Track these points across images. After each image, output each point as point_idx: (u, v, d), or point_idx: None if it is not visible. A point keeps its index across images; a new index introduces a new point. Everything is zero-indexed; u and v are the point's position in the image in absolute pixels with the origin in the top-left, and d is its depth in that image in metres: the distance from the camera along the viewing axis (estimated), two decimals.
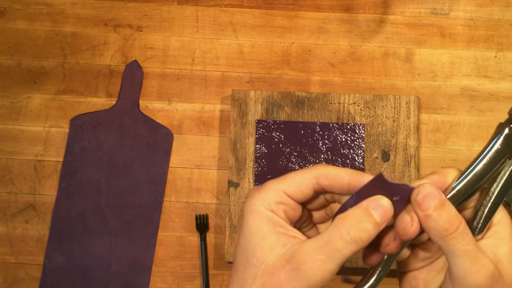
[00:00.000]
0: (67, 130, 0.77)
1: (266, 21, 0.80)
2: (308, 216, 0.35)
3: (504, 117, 0.32)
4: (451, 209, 0.29)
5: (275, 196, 0.32)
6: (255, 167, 0.73)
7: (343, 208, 0.31)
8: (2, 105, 0.78)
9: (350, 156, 0.73)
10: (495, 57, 0.78)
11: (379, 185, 0.31)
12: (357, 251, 0.29)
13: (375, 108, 0.74)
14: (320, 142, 0.73)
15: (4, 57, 0.79)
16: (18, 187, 0.76)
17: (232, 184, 0.73)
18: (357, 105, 0.74)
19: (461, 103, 0.77)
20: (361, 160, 0.73)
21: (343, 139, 0.73)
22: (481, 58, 0.78)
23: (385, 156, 0.73)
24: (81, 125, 0.77)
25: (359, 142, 0.73)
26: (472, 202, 0.33)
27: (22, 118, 0.78)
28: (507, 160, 0.32)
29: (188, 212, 0.75)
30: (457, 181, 0.32)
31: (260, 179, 0.73)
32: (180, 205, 0.75)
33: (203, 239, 0.74)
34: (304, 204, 0.34)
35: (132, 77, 0.78)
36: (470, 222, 0.32)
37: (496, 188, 0.32)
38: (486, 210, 0.31)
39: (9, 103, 0.78)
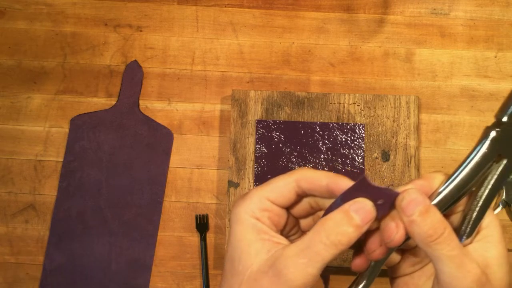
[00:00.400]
0: (67, 130, 0.77)
1: (266, 21, 0.80)
2: (295, 223, 0.36)
3: None
4: (435, 215, 0.29)
5: (259, 203, 0.32)
6: (255, 167, 0.73)
7: (328, 211, 0.31)
8: (2, 105, 0.78)
9: (350, 156, 0.73)
10: (495, 57, 0.78)
11: (363, 188, 0.31)
12: (338, 254, 0.30)
13: (375, 108, 0.74)
14: (320, 142, 0.73)
15: (4, 57, 0.79)
16: (18, 187, 0.76)
17: (232, 184, 0.73)
18: (357, 105, 0.74)
19: (461, 103, 0.77)
20: (361, 160, 0.73)
21: (343, 139, 0.73)
22: (481, 58, 0.78)
23: (385, 156, 0.73)
24: (81, 125, 0.77)
25: (359, 142, 0.73)
26: (460, 207, 0.32)
27: (22, 118, 0.78)
28: (494, 163, 0.31)
29: (188, 212, 0.75)
30: (443, 185, 0.31)
31: (260, 179, 0.73)
32: (180, 205, 0.75)
33: (203, 239, 0.74)
34: (288, 209, 0.34)
35: (132, 77, 0.78)
36: (458, 227, 0.32)
37: (484, 192, 0.31)
38: (475, 214, 0.31)
39: (9, 103, 0.78)
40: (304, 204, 0.34)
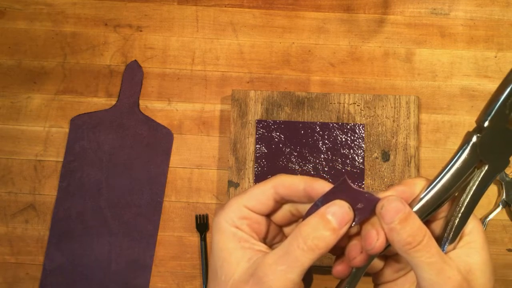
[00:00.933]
0: (67, 130, 0.77)
1: (266, 21, 0.80)
2: (278, 231, 0.35)
3: None
4: (415, 222, 0.29)
5: (237, 212, 0.32)
6: (255, 167, 0.73)
7: (307, 216, 0.31)
8: (2, 105, 0.78)
9: (350, 156, 0.73)
10: (495, 57, 0.78)
11: (343, 191, 0.30)
12: (317, 258, 0.29)
13: (375, 108, 0.74)
14: (320, 142, 0.73)
15: (4, 57, 0.79)
16: (18, 187, 0.76)
17: (232, 184, 0.73)
18: (357, 105, 0.74)
19: (461, 103, 0.77)
20: (361, 160, 0.73)
21: (343, 139, 0.73)
22: (481, 58, 0.78)
23: (385, 156, 0.73)
24: (81, 125, 0.77)
25: (359, 142, 0.73)
26: (442, 213, 0.32)
27: (22, 118, 0.78)
28: (476, 169, 0.31)
29: (188, 212, 0.75)
30: (425, 191, 0.31)
31: (260, 179, 0.73)
32: (180, 205, 0.75)
33: (203, 239, 0.74)
34: (270, 217, 0.34)
35: (132, 77, 0.78)
36: (441, 233, 0.32)
37: (466, 198, 0.31)
38: (457, 220, 0.31)
39: (9, 103, 0.78)
40: (285, 211, 0.34)
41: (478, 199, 0.31)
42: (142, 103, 0.78)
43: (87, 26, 0.80)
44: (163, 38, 0.80)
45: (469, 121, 0.77)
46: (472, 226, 0.32)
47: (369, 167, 0.73)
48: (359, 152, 0.73)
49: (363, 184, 0.72)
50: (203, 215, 0.74)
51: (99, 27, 0.80)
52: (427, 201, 0.31)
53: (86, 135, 0.76)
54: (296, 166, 0.73)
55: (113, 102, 0.78)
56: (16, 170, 0.76)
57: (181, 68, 0.79)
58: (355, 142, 0.73)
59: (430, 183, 0.31)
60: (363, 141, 0.73)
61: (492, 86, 0.77)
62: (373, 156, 0.73)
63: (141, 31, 0.80)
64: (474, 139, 0.31)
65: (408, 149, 0.73)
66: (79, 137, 0.76)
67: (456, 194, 0.32)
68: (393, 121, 0.74)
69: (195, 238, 0.74)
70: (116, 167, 0.76)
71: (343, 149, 0.73)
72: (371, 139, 0.74)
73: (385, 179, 0.73)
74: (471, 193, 0.31)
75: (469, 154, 0.31)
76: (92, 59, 0.79)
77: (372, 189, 0.72)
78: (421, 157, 0.75)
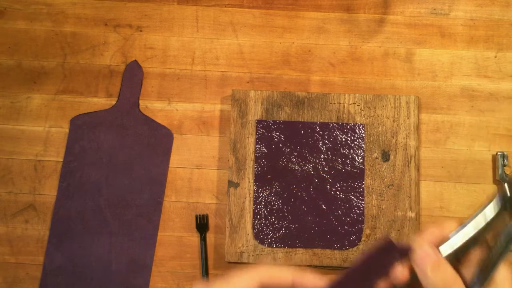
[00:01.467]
0: (67, 130, 0.77)
1: (266, 21, 0.80)
2: None
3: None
4: (447, 270, 0.31)
5: None
6: (255, 167, 0.73)
7: None
8: (2, 105, 0.78)
9: (350, 156, 0.73)
10: (495, 57, 0.78)
11: (385, 251, 0.32)
12: None
13: (375, 108, 0.74)
14: (320, 142, 0.73)
15: (4, 57, 0.79)
16: (18, 187, 0.76)
17: (232, 184, 0.73)
18: (357, 105, 0.74)
19: (461, 103, 0.77)
20: (361, 160, 0.73)
21: (343, 139, 0.73)
22: (481, 58, 0.78)
23: (385, 156, 0.73)
24: (81, 125, 0.77)
25: (359, 142, 0.73)
26: (474, 257, 0.33)
27: (22, 118, 0.78)
28: (509, 218, 0.32)
29: (188, 212, 0.75)
30: (455, 231, 0.32)
31: (260, 179, 0.73)
32: (180, 205, 0.75)
33: (203, 239, 0.74)
34: None
35: (132, 77, 0.78)
36: (471, 278, 0.32)
37: (498, 244, 0.32)
38: (488, 266, 0.32)
39: (9, 103, 0.78)
40: None
41: (510, 248, 0.32)
42: (142, 103, 0.78)
43: (87, 26, 0.80)
44: (163, 38, 0.80)
45: (469, 121, 0.77)
46: (502, 275, 0.33)
47: (369, 167, 0.73)
48: (359, 152, 0.73)
49: (363, 184, 0.72)
50: (203, 215, 0.74)
51: (99, 27, 0.80)
52: (456, 242, 0.32)
53: (86, 135, 0.76)
54: (296, 166, 0.73)
55: (113, 102, 0.78)
56: (16, 170, 0.76)
57: (181, 68, 0.79)
58: (355, 142, 0.73)
59: (461, 224, 0.33)
60: (363, 141, 0.73)
61: (492, 86, 0.77)
62: (373, 156, 0.73)
63: (141, 31, 0.80)
64: (509, 190, 0.32)
65: (408, 149, 0.73)
66: (79, 137, 0.76)
67: (489, 241, 0.33)
68: (393, 121, 0.74)
69: (195, 238, 0.74)
70: (116, 167, 0.76)
71: (343, 149, 0.73)
72: (371, 139, 0.74)
73: (385, 179, 0.73)
74: (504, 242, 0.32)
75: (503, 204, 0.32)
76: (92, 59, 0.79)
77: (372, 189, 0.72)
78: (421, 157, 0.75)
